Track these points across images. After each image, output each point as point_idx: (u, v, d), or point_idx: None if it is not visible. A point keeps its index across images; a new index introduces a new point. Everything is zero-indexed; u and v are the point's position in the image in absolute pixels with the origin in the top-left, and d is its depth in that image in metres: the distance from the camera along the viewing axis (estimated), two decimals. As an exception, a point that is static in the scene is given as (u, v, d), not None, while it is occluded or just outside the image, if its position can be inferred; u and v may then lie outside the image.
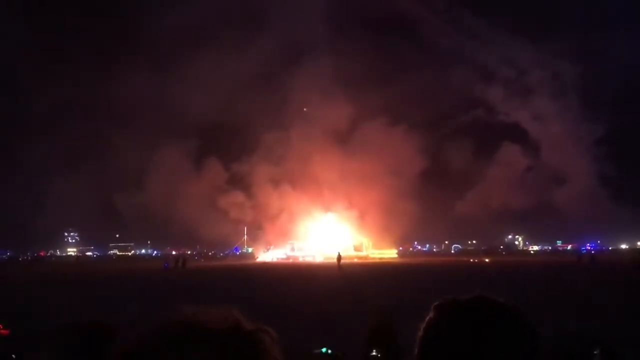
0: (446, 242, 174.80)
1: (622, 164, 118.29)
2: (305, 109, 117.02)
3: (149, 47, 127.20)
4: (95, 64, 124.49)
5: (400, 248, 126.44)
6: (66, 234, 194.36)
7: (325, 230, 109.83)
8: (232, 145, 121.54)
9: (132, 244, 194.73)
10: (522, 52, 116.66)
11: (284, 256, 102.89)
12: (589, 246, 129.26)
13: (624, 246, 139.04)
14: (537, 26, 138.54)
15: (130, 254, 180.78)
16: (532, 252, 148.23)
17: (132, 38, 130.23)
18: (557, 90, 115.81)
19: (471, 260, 76.94)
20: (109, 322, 2.56)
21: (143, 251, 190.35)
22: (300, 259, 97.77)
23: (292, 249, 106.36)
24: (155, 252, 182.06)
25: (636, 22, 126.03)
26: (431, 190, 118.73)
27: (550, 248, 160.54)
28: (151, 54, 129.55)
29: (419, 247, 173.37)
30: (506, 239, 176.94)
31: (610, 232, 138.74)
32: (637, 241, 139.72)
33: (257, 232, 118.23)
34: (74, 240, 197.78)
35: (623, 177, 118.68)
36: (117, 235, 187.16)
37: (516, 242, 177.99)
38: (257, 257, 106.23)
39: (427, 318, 1.44)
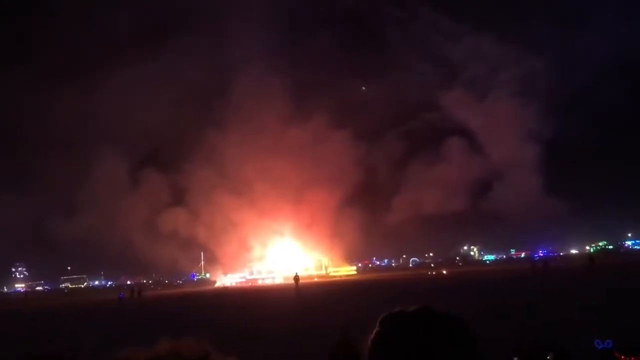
0: (404, 256, 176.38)
1: (571, 171, 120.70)
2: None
3: (76, 57, 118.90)
4: (16, 77, 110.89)
5: (359, 264, 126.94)
6: (14, 269, 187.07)
7: (282, 250, 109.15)
8: (176, 165, 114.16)
9: (84, 275, 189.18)
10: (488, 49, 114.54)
11: (243, 279, 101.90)
12: (542, 253, 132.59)
13: (574, 251, 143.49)
14: (485, 24, 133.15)
15: (83, 286, 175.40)
16: (487, 261, 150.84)
17: (56, 46, 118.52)
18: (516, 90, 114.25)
19: (429, 272, 77.86)
20: (70, 353, 2.58)
21: (96, 282, 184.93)
22: (260, 282, 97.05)
23: (251, 272, 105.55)
24: (109, 282, 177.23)
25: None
26: (381, 204, 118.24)
27: (504, 257, 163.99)
28: (79, 64, 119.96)
29: (377, 262, 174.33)
30: (462, 250, 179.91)
31: (560, 238, 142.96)
32: (586, 245, 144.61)
33: (212, 256, 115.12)
34: (22, 276, 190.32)
35: (571, 184, 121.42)
36: (69, 268, 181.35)
37: (472, 253, 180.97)
38: (216, 282, 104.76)
39: (374, 331, 1.47)
